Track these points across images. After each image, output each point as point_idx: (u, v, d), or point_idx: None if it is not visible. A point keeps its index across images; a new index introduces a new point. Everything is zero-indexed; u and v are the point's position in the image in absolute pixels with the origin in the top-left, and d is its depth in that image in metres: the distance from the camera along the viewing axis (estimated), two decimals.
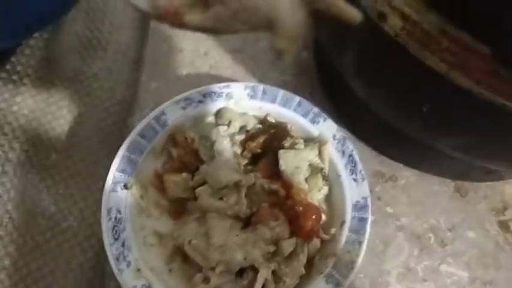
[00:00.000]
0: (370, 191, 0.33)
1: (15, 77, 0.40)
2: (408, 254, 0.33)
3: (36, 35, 0.41)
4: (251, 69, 0.39)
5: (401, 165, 0.36)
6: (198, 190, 0.29)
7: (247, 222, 0.29)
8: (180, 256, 0.29)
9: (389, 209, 0.34)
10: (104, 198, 0.28)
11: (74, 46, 0.43)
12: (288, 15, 0.20)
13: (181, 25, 0.20)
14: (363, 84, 0.29)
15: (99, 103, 0.42)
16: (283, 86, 0.34)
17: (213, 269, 0.27)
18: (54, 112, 0.40)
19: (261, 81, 0.38)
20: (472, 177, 0.35)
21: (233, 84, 0.33)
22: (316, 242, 0.29)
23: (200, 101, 0.32)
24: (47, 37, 0.42)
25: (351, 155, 0.31)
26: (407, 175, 0.36)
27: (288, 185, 0.29)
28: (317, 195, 0.30)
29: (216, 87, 0.32)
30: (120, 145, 0.30)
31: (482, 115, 0.22)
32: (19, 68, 0.41)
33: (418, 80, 0.23)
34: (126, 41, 0.45)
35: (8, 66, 0.40)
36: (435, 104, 0.23)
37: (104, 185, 0.29)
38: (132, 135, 0.30)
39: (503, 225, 0.35)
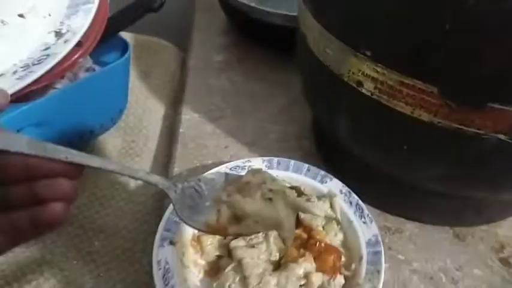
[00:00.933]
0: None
1: None
2: None
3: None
4: (263, 156, 0.47)
5: (403, 219, 0.41)
6: (233, 242, 0.34)
7: (278, 265, 0.33)
8: None
9: (400, 256, 0.38)
10: (154, 252, 0.33)
11: (114, 156, 0.52)
12: (286, 221, 0.33)
13: (226, 235, 0.33)
14: (357, 144, 0.37)
15: (135, 198, 0.48)
16: None
17: None
18: (98, 207, 0.46)
19: None
20: (466, 221, 0.40)
21: (253, 159, 0.40)
22: (340, 279, 0.33)
23: (228, 174, 0.39)
24: (89, 149, 0.51)
25: (357, 204, 0.37)
26: (410, 227, 0.41)
27: (308, 229, 0.34)
28: (334, 240, 0.35)
29: (240, 162, 0.40)
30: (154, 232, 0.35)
31: (447, 144, 0.29)
32: None
33: (393, 124, 0.31)
34: (158, 147, 0.54)
35: None
36: (411, 142, 0.31)
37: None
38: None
39: (504, 262, 0.38)
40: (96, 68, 0.51)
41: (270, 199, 0.34)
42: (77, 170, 0.25)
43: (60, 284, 0.39)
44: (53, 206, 0.24)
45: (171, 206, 0.36)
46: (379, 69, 0.29)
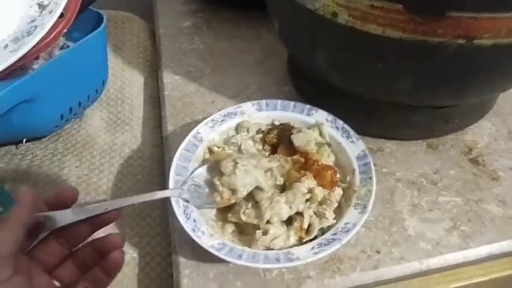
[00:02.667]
0: None
1: (59, 156, 0.50)
2: (410, 195, 0.41)
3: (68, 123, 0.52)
4: None
5: (382, 139, 0.46)
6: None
7: (283, 189, 0.37)
8: (237, 232, 0.36)
9: (384, 170, 0.43)
10: (170, 192, 0.36)
11: (103, 127, 0.54)
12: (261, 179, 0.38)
13: (231, 203, 0.37)
14: (336, 73, 0.41)
15: (132, 162, 0.51)
16: None
17: (268, 222, 0.34)
18: (98, 175, 0.48)
19: None
20: (436, 132, 0.45)
21: (243, 104, 0.44)
22: (338, 190, 0.37)
23: (222, 120, 0.42)
24: (78, 124, 0.53)
25: (343, 127, 0.41)
26: (389, 145, 0.46)
27: (304, 154, 0.38)
28: (328, 161, 0.39)
29: (231, 108, 0.43)
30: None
31: (415, 56, 0.34)
32: (60, 147, 0.50)
33: (367, 46, 0.35)
34: (145, 114, 0.56)
35: (50, 146, 0.50)
36: (384, 59, 0.35)
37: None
38: (180, 149, 0.39)
39: (473, 161, 0.44)
40: (70, 44, 0.51)
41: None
42: (117, 214, 0.31)
43: None
44: (115, 254, 0.30)
45: (175, 157, 0.39)
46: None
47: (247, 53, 0.60)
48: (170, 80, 0.56)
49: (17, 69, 0.39)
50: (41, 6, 0.38)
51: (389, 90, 0.38)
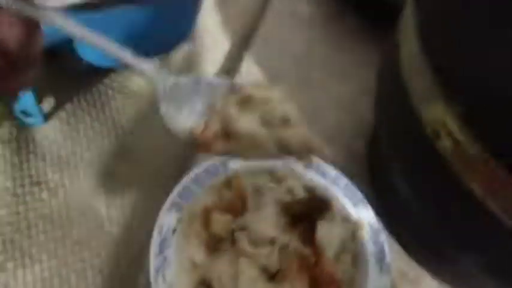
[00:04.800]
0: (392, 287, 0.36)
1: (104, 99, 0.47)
2: None
3: None
4: None
5: (425, 272, 0.38)
6: (238, 234, 0.33)
7: (273, 277, 0.32)
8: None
9: None
10: (161, 214, 0.32)
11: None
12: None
13: (208, 151, 0.26)
14: (408, 186, 0.32)
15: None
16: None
17: None
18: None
19: None
20: None
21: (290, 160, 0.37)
22: None
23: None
24: None
25: (381, 246, 0.33)
26: (430, 284, 0.37)
27: (319, 255, 0.32)
28: (342, 273, 0.33)
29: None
30: None
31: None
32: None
33: (454, 196, 0.26)
34: None
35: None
36: (467, 224, 0.26)
37: None
38: (198, 170, 0.35)
39: None
40: None
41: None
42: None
43: None
44: None
45: (189, 175, 0.34)
46: (464, 133, 0.24)
47: (348, 77, 0.50)
48: (247, 67, 0.50)
49: None
50: None
51: (457, 253, 0.30)
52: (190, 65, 0.51)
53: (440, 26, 0.27)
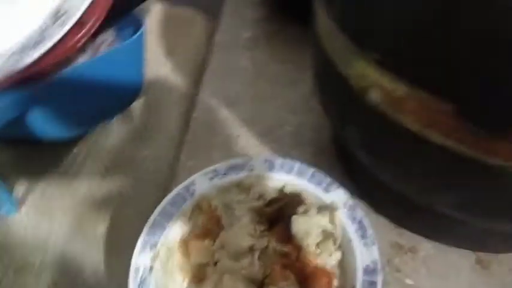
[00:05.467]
0: (388, 261, 0.34)
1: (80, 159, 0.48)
2: None
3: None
4: (275, 150, 0.44)
5: (420, 237, 0.36)
6: (217, 254, 0.32)
7: (261, 285, 0.31)
8: None
9: (408, 281, 0.34)
10: (134, 257, 0.31)
11: (128, 137, 0.51)
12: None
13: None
14: (366, 153, 0.32)
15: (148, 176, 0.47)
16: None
17: None
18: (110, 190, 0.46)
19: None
20: (490, 247, 0.34)
21: (254, 158, 0.37)
22: None
23: (225, 173, 0.36)
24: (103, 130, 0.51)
25: (360, 221, 0.33)
26: (427, 247, 0.36)
27: (298, 248, 0.31)
28: (329, 260, 0.32)
29: (240, 160, 0.37)
30: None
31: (462, 171, 0.24)
32: (82, 152, 0.49)
33: (402, 144, 0.26)
34: (170, 133, 0.52)
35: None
36: (419, 164, 0.26)
37: None
38: (163, 203, 0.34)
39: None
40: (120, 41, 0.49)
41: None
42: None
43: None
44: None
45: (156, 210, 0.34)
46: (386, 77, 0.24)
47: (295, 83, 0.52)
48: (204, 100, 0.51)
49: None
50: (55, 16, 0.36)
51: (426, 199, 0.29)
52: (150, 113, 0.53)
53: None
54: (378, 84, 0.25)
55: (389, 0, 0.23)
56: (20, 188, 0.45)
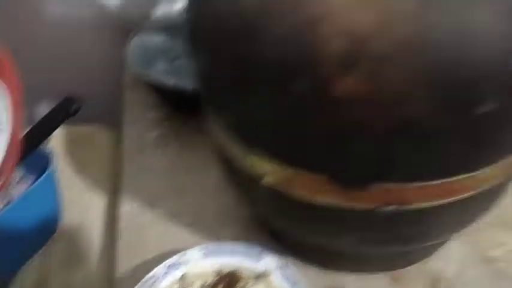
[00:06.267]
0: None
1: None
2: None
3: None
4: (205, 235, 0.48)
5: (343, 273, 0.43)
6: None
7: None
8: None
9: None
10: None
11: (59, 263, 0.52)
12: None
13: None
14: (279, 224, 0.38)
15: None
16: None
17: None
18: None
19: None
20: (398, 266, 0.42)
21: (189, 251, 0.41)
22: None
23: (165, 273, 0.40)
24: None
25: (292, 276, 0.38)
26: (351, 280, 0.42)
27: None
28: None
29: (175, 257, 0.41)
30: None
31: (344, 219, 0.32)
32: None
33: (296, 209, 0.33)
34: (102, 250, 0.53)
35: None
36: (315, 222, 0.33)
37: None
38: None
39: None
40: (30, 177, 0.51)
41: None
42: None
43: None
44: None
45: None
46: (274, 164, 0.31)
47: (211, 169, 0.57)
48: (128, 208, 0.54)
49: None
50: None
51: (332, 244, 0.36)
52: (74, 237, 0.54)
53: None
54: (269, 170, 0.32)
55: (263, 113, 0.31)
56: None
